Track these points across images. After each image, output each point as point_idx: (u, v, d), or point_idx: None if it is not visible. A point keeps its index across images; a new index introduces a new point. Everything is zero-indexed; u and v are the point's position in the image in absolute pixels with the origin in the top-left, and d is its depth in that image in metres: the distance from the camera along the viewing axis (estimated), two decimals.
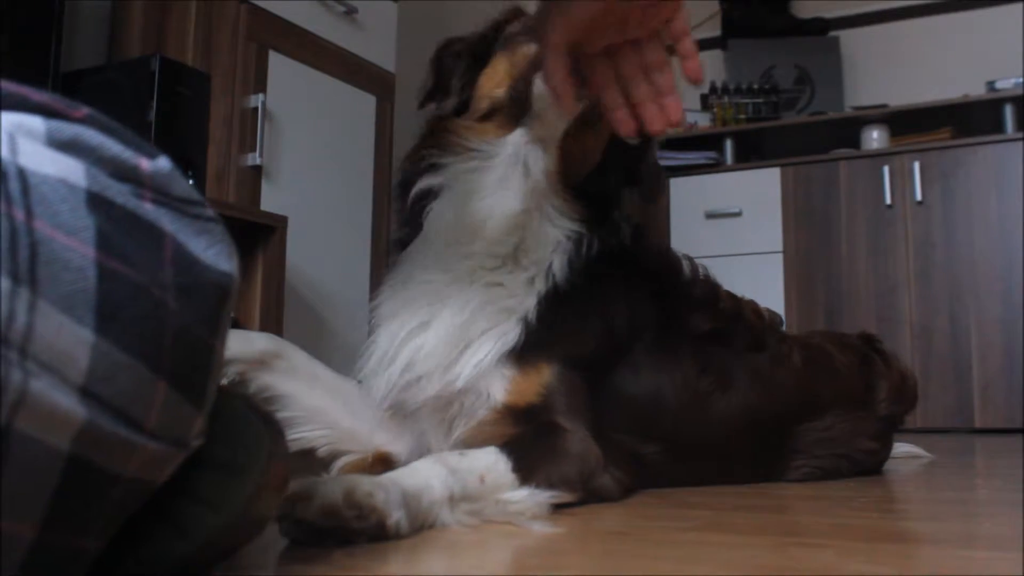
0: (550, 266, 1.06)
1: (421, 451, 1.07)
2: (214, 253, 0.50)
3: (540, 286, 1.06)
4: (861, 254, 3.59)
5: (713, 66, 4.24)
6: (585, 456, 0.95)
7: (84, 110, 0.48)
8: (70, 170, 0.45)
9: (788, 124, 3.92)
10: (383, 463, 1.11)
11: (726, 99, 4.01)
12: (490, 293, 1.05)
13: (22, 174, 0.42)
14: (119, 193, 0.46)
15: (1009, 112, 3.53)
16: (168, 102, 2.08)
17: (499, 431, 0.98)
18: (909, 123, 3.71)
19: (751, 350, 1.24)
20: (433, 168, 1.09)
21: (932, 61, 4.10)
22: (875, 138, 3.74)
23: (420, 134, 1.14)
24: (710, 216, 3.80)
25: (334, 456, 1.12)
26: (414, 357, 1.04)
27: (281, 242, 2.27)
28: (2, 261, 0.39)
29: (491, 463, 0.86)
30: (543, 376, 1.01)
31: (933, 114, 3.65)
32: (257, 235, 2.21)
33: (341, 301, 2.52)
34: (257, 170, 2.31)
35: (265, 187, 2.34)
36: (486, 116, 1.09)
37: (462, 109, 1.12)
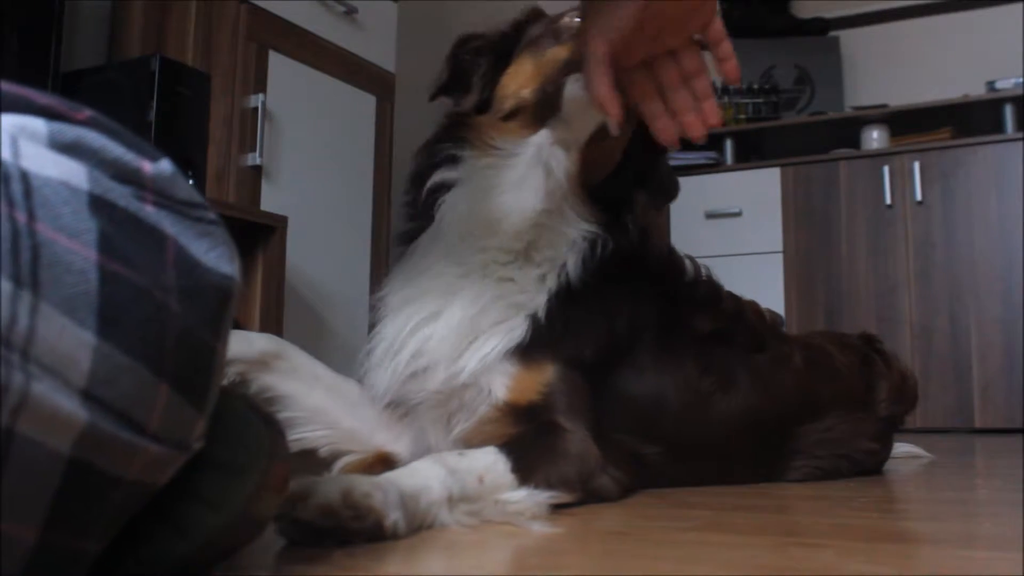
0: (563, 265, 1.07)
1: (422, 450, 1.07)
2: (216, 256, 0.50)
3: (551, 284, 1.06)
4: (861, 254, 3.59)
5: (713, 66, 4.24)
6: (584, 456, 0.96)
7: (87, 112, 0.48)
8: (72, 173, 0.45)
9: (788, 124, 3.92)
10: (384, 463, 1.11)
11: (726, 99, 4.01)
12: (501, 288, 1.05)
13: (24, 176, 0.42)
14: (121, 196, 0.46)
15: (1009, 112, 3.53)
16: (168, 102, 2.08)
17: (499, 430, 0.99)
18: (909, 123, 3.71)
19: (752, 351, 1.24)
20: (451, 161, 1.09)
21: (932, 61, 4.10)
22: (875, 138, 3.74)
23: (437, 128, 1.14)
24: (710, 216, 3.80)
25: (335, 456, 1.12)
26: (422, 347, 1.04)
27: (281, 242, 2.26)
28: (4, 264, 0.39)
29: (490, 463, 0.86)
30: (545, 374, 1.02)
31: (933, 114, 3.66)
32: (257, 235, 2.21)
33: (341, 301, 2.52)
34: (257, 170, 2.31)
35: (265, 187, 2.34)
36: (509, 115, 1.09)
37: (482, 106, 1.13)
